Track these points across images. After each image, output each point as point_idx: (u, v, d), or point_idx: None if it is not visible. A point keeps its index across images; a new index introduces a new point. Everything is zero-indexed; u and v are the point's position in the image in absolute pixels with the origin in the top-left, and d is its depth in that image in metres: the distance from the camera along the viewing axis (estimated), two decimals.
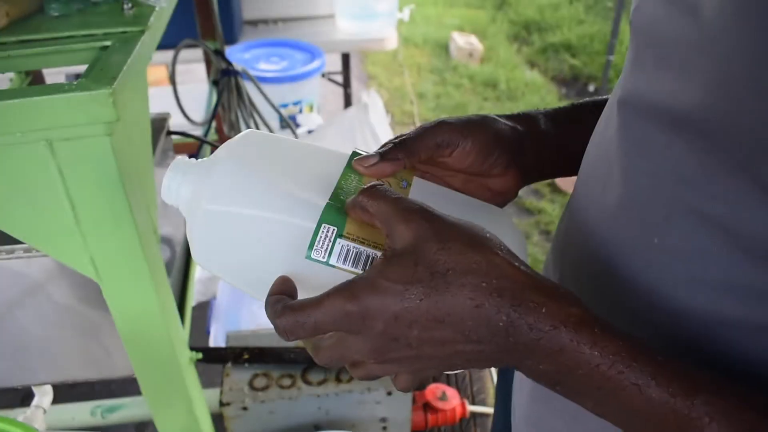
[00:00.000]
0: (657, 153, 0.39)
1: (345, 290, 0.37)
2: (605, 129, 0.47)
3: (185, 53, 1.56)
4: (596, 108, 0.58)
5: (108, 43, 0.73)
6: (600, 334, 0.35)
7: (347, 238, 0.42)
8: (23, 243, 0.71)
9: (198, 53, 1.82)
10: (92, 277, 0.72)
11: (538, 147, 0.55)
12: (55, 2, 0.81)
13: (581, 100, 0.62)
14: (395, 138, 0.50)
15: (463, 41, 4.51)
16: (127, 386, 1.97)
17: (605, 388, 0.35)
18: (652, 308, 0.41)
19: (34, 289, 0.79)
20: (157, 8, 0.82)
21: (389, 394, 1.04)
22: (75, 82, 0.61)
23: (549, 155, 0.57)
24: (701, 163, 0.36)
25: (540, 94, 3.94)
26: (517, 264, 0.37)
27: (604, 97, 0.61)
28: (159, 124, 0.98)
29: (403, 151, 0.48)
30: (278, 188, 0.45)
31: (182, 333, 0.87)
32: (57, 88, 0.60)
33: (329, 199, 0.44)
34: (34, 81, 1.38)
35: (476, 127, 0.52)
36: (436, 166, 0.53)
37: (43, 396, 1.07)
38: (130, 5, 0.83)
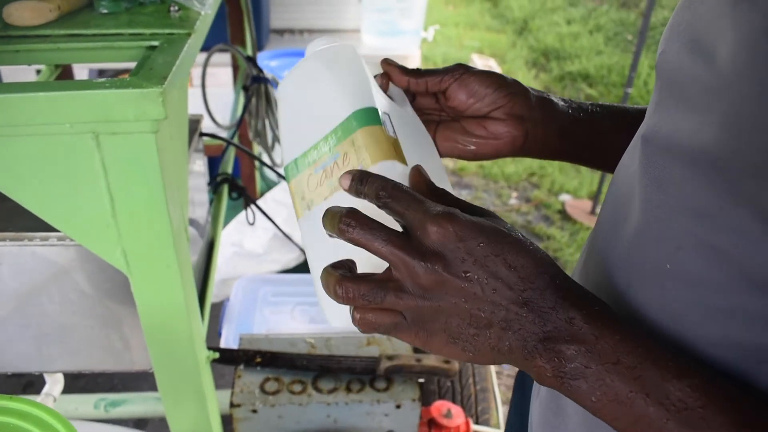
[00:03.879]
0: (674, 186, 0.41)
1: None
2: (630, 163, 0.49)
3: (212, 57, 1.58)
4: (616, 114, 0.65)
5: (155, 43, 0.75)
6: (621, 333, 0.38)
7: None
8: (58, 231, 0.72)
9: (220, 58, 1.85)
10: (122, 270, 0.73)
11: (547, 117, 0.62)
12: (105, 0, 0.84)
13: (603, 103, 0.67)
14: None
15: (482, 63, 4.54)
16: (129, 382, 1.99)
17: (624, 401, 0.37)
18: (664, 332, 0.43)
19: (60, 277, 0.80)
20: (202, 13, 0.84)
21: (398, 407, 1.04)
22: (127, 78, 0.63)
23: (557, 131, 0.62)
24: (713, 196, 0.37)
25: None
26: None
27: (626, 105, 0.65)
28: (193, 125, 1.00)
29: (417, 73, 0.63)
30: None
31: (202, 331, 0.88)
32: (109, 84, 0.61)
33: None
34: (63, 74, 1.40)
35: (491, 72, 0.63)
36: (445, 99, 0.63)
37: (55, 384, 1.07)
38: (176, 8, 0.85)
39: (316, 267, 0.57)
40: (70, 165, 0.65)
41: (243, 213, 1.78)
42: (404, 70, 0.64)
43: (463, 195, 3.43)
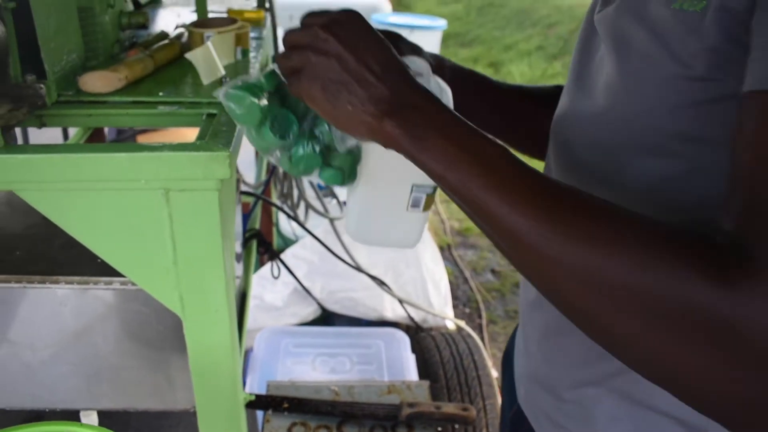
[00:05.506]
0: None
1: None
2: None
3: None
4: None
5: (214, 111, 0.84)
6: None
7: None
8: (121, 276, 0.80)
9: None
10: (177, 313, 0.80)
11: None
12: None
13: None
14: None
15: None
16: (149, 421, 2.01)
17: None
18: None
19: (117, 319, 0.87)
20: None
21: None
22: (197, 143, 0.72)
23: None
24: None
25: None
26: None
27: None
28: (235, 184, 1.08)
29: None
30: None
31: (240, 374, 0.95)
32: (181, 147, 0.70)
33: None
34: (94, 134, 1.49)
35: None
36: None
37: (88, 420, 1.13)
38: (228, 79, 0.95)
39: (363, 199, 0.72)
40: (141, 217, 0.74)
41: (263, 267, 1.86)
42: None
43: (469, 255, 3.51)
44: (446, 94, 0.71)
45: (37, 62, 0.82)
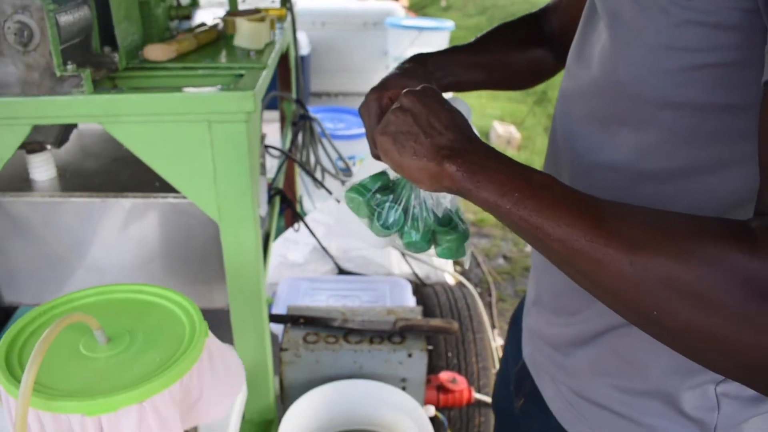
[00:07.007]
0: None
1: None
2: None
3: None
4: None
5: (243, 72, 1.12)
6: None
7: None
8: (176, 192, 1.07)
9: (269, 115, 2.25)
10: (215, 220, 1.07)
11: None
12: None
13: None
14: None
15: (502, 129, 4.92)
16: None
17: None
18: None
19: (166, 225, 1.14)
20: (271, 59, 1.22)
21: (410, 356, 1.34)
22: (231, 86, 0.98)
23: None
24: None
25: None
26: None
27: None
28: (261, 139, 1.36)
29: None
30: None
31: (264, 278, 1.21)
32: (221, 89, 0.97)
33: None
34: None
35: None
36: None
37: None
38: (254, 53, 1.23)
39: None
40: (190, 143, 1.00)
41: (287, 231, 2.13)
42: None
43: (482, 243, 3.74)
44: (469, 113, 0.78)
45: (111, 38, 1.10)
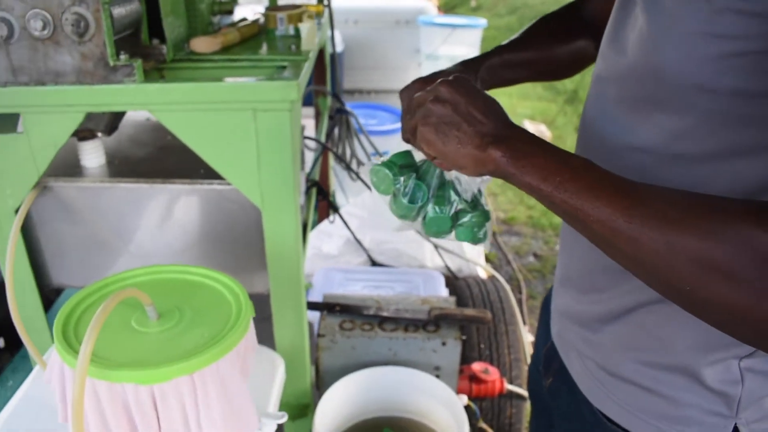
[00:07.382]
0: None
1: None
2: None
3: None
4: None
5: (285, 64, 1.15)
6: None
7: None
8: (220, 179, 1.11)
9: (304, 111, 2.29)
10: (258, 206, 1.10)
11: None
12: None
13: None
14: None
15: (533, 128, 4.91)
16: None
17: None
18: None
19: (211, 210, 1.17)
20: (312, 52, 1.25)
21: (444, 344, 1.36)
22: (275, 76, 1.02)
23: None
24: None
25: None
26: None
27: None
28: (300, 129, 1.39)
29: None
30: None
31: (303, 265, 1.24)
32: (265, 79, 1.01)
33: None
34: None
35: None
36: None
37: None
38: (295, 47, 1.26)
39: None
40: (236, 131, 1.04)
41: (321, 224, 2.17)
42: None
43: (513, 241, 3.74)
44: None
45: (159, 31, 1.14)
